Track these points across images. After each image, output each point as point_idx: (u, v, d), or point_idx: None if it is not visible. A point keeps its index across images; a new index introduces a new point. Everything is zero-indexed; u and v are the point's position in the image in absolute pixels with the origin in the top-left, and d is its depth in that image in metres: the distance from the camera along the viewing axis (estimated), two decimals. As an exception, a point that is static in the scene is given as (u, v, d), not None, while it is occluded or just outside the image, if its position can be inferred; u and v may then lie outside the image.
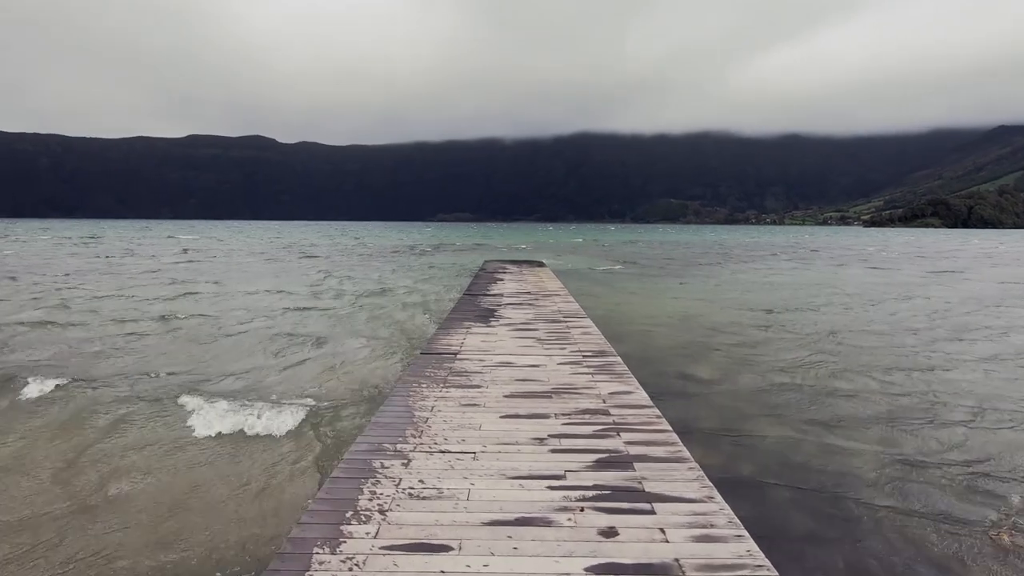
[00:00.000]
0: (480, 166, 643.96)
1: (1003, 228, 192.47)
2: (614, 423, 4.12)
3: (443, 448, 3.67)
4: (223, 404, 6.46)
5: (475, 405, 4.54)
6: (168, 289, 17.37)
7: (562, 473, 3.30)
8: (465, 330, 7.68)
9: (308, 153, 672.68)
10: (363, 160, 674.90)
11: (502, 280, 14.65)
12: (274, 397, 6.84)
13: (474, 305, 10.11)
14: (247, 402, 6.55)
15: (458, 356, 6.20)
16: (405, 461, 3.47)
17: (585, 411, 4.38)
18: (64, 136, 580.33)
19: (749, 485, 4.69)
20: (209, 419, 6.06)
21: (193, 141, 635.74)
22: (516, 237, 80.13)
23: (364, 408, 6.42)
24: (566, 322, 8.34)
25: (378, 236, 77.94)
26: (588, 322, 8.36)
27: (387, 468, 3.36)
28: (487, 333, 7.50)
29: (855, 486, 4.67)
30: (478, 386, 5.06)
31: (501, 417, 4.26)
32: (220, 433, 5.75)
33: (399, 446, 3.70)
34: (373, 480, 3.21)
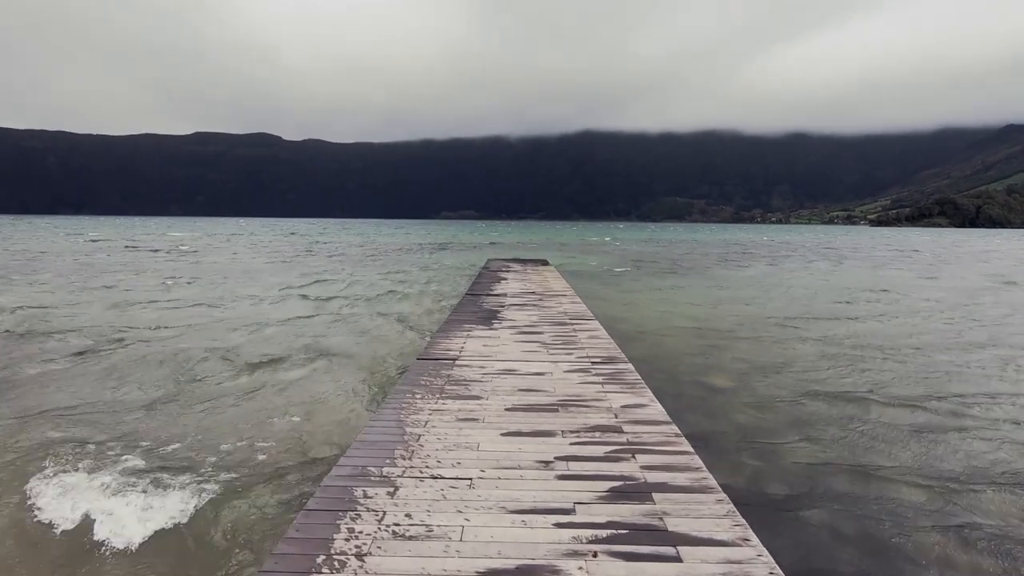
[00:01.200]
0: (485, 164, 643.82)
1: (1011, 228, 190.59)
2: (628, 443, 3.68)
3: (435, 473, 3.24)
4: (91, 475, 4.60)
5: (473, 420, 4.11)
6: (138, 293, 15.57)
7: (571, 506, 2.86)
8: (466, 333, 7.25)
9: (314, 151, 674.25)
10: (368, 158, 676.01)
11: (506, 279, 14.21)
12: (176, 468, 4.82)
13: (476, 306, 9.67)
14: (134, 472, 4.67)
15: (457, 362, 5.77)
16: (391, 489, 3.04)
17: (595, 428, 3.94)
18: (71, 133, 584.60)
19: (788, 523, 4.18)
20: (57, 502, 4.23)
21: (199, 138, 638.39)
22: (527, 235, 78.58)
23: (302, 480, 4.63)
24: (572, 325, 7.90)
25: (386, 235, 77.24)
26: (596, 324, 7.91)
27: (370, 498, 2.93)
28: (489, 336, 7.06)
29: (915, 553, 3.81)
30: (477, 397, 4.63)
31: (502, 435, 3.83)
32: (69, 526, 3.96)
33: (386, 470, 3.27)
34: (353, 514, 2.78)
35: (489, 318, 8.40)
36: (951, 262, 32.62)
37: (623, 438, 3.76)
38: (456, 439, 3.75)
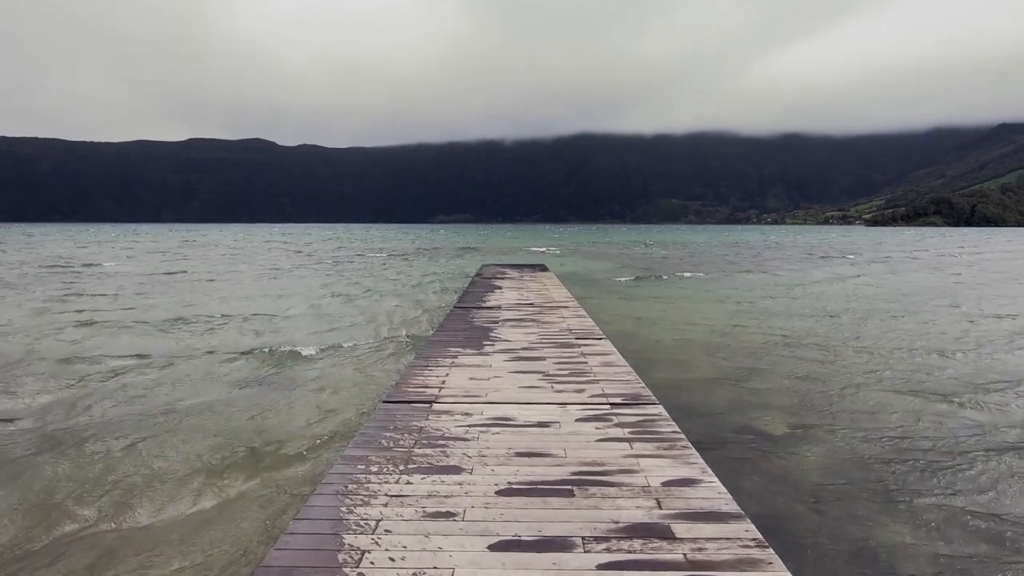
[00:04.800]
0: (480, 167, 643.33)
1: (1006, 226, 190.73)
2: (687, 562, 2.35)
3: (374, 648, 1.90)
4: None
5: (450, 515, 2.77)
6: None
7: None
8: (450, 360, 5.91)
9: (308, 156, 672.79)
10: (363, 163, 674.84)
11: (500, 288, 12.88)
12: None
13: (465, 322, 8.33)
14: None
15: (435, 405, 4.43)
16: None
17: (632, 530, 2.61)
18: (65, 140, 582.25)
19: None
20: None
21: (194, 144, 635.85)
22: (534, 239, 75.76)
23: None
24: (580, 346, 6.56)
25: (387, 239, 75.62)
26: (608, 346, 6.58)
27: None
28: (478, 365, 5.72)
29: None
30: (458, 469, 3.29)
31: (490, 547, 2.49)
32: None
33: (291, 641, 1.93)
34: None
35: (480, 338, 7.06)
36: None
37: (678, 553, 2.42)
38: (419, 558, 2.41)
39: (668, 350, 9.67)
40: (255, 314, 13.31)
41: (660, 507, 2.82)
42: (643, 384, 4.99)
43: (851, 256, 37.82)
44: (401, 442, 3.67)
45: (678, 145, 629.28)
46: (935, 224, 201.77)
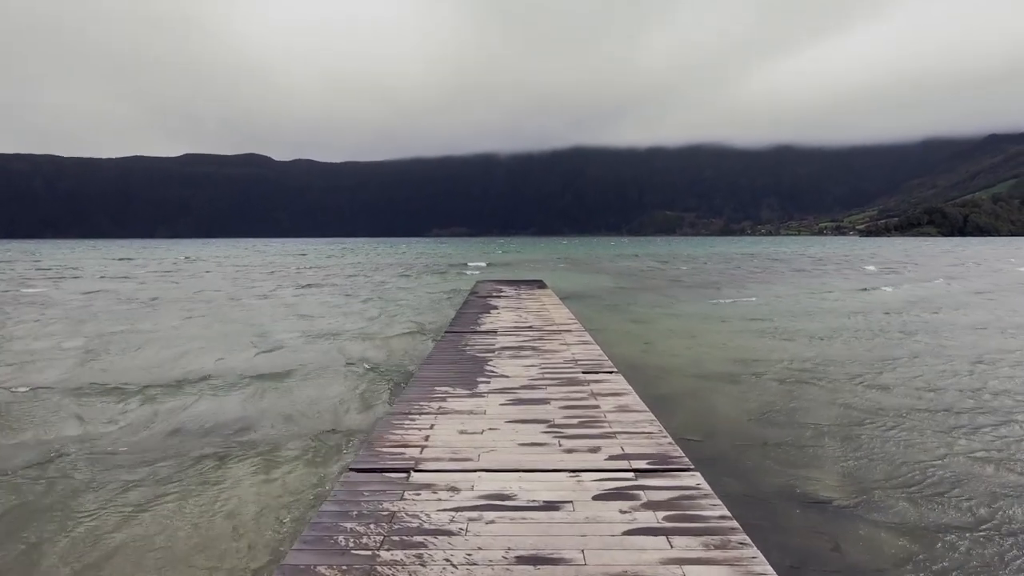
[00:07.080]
0: (476, 181, 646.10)
1: (999, 236, 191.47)
2: None
3: None
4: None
5: None
6: None
7: None
8: (437, 405, 5.00)
9: (303, 170, 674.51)
10: (358, 177, 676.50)
11: (496, 309, 11.98)
12: None
13: (456, 351, 7.42)
14: None
15: (413, 474, 3.52)
16: None
17: None
18: (59, 157, 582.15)
19: None
20: None
21: (189, 160, 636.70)
22: (543, 253, 72.85)
23: None
24: (589, 383, 5.67)
25: (381, 253, 74.57)
26: (621, 383, 5.69)
27: None
28: (470, 411, 4.82)
29: None
30: (437, 589, 2.38)
31: None
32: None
33: None
34: None
35: (473, 373, 6.17)
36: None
37: None
38: None
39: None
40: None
41: (730, 665, 1.92)
42: (670, 438, 4.10)
43: (891, 272, 33.28)
44: (364, 539, 2.76)
45: (672, 157, 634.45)
46: (929, 234, 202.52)
